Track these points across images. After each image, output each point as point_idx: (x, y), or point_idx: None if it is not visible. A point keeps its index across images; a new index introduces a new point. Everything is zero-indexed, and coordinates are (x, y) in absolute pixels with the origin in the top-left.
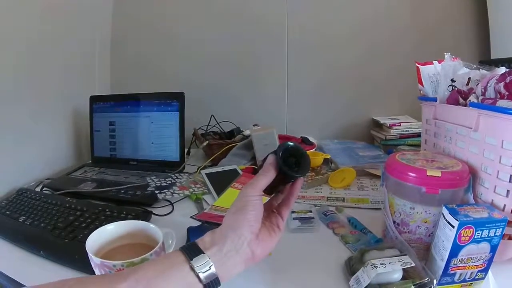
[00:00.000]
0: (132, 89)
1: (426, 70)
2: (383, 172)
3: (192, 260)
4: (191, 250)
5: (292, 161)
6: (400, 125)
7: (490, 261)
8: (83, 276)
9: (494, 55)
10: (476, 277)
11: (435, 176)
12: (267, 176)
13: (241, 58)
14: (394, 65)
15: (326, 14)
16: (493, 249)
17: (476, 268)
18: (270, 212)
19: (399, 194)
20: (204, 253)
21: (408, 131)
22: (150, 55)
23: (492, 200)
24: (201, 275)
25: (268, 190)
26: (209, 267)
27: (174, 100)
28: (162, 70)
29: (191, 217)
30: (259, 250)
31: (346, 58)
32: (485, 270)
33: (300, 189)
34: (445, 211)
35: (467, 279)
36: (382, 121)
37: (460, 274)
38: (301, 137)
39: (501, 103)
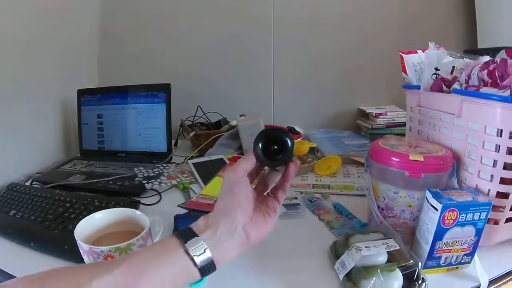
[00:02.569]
0: (120, 82)
1: (410, 59)
2: (366, 157)
3: (186, 243)
4: (185, 234)
5: (274, 149)
6: (386, 115)
7: (476, 245)
8: (72, 265)
9: (480, 46)
10: (462, 261)
11: (418, 160)
12: (247, 160)
13: (227, 49)
14: (381, 55)
15: (312, 5)
16: (479, 233)
17: (462, 251)
18: (266, 196)
19: (383, 179)
20: (198, 236)
21: (395, 120)
22: (137, 48)
23: (477, 185)
24: (196, 259)
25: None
26: (204, 250)
27: (161, 92)
28: (150, 62)
29: (178, 205)
30: (253, 233)
31: (332, 48)
32: (471, 254)
33: (294, 173)
34: (428, 195)
35: (453, 263)
36: (368, 111)
37: (446, 258)
38: (288, 126)
39: (484, 90)
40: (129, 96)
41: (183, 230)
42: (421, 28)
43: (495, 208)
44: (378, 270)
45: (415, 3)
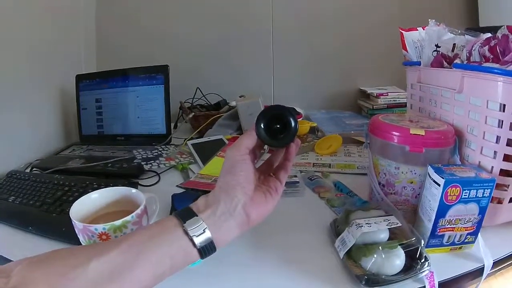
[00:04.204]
0: (119, 66)
1: (410, 36)
2: (366, 133)
3: (185, 223)
4: (184, 214)
5: (277, 127)
6: (387, 95)
7: (479, 224)
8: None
9: (482, 25)
10: (466, 240)
11: (419, 134)
12: (249, 136)
13: (227, 30)
14: (382, 35)
15: None
16: (482, 211)
17: (465, 230)
18: (268, 176)
19: (383, 154)
20: (197, 215)
21: (396, 100)
22: (136, 30)
23: (479, 161)
24: (195, 239)
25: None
26: (203, 230)
27: (159, 74)
28: (149, 45)
29: (177, 185)
30: (254, 213)
31: (333, 29)
32: (475, 233)
33: (295, 153)
34: (430, 170)
35: (457, 242)
36: (369, 91)
37: (449, 237)
38: (288, 107)
39: (486, 65)
40: (127, 79)
41: (183, 210)
42: (422, 8)
43: (499, 186)
44: (379, 247)
45: None
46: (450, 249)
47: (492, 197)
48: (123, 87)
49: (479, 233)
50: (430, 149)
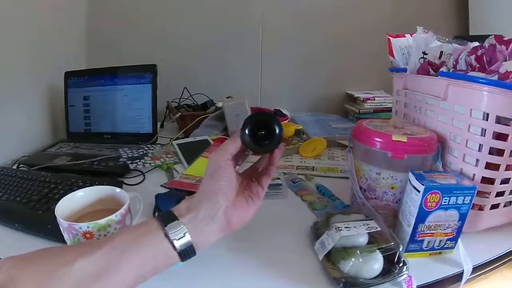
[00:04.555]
0: (108, 64)
1: (398, 42)
2: (350, 137)
3: (166, 226)
4: (165, 217)
5: (262, 134)
6: (374, 99)
7: (459, 230)
8: (55, 245)
9: (472, 33)
10: (446, 246)
11: (401, 141)
12: (234, 142)
13: (216, 31)
14: (371, 40)
15: None
16: (462, 218)
17: (445, 236)
18: (251, 181)
19: (366, 160)
20: (178, 219)
21: (382, 105)
22: (126, 30)
23: (461, 168)
24: (176, 243)
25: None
26: (184, 234)
27: (147, 73)
28: (138, 44)
29: (161, 185)
30: (235, 218)
31: (322, 33)
32: (455, 239)
33: (278, 158)
34: (411, 176)
35: (436, 247)
36: (356, 95)
37: (429, 242)
38: (274, 109)
39: (472, 74)
40: (115, 78)
41: (165, 213)
42: (413, 15)
43: (480, 193)
44: (358, 251)
45: None
46: (430, 254)
47: (474, 204)
48: (111, 85)
49: (459, 239)
50: (412, 155)
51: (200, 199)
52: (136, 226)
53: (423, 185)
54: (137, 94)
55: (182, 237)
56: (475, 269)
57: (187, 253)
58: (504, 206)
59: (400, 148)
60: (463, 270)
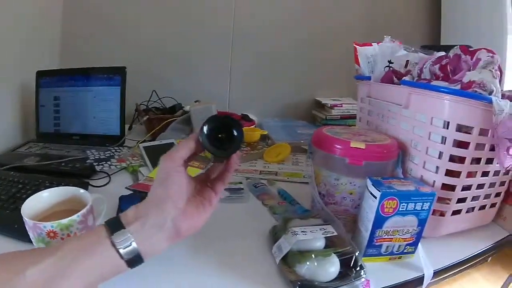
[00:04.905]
0: (81, 65)
1: (364, 51)
2: (309, 143)
3: (113, 235)
4: (113, 225)
5: (221, 137)
6: (341, 106)
7: (419, 235)
8: (21, 244)
9: (443, 43)
10: (405, 251)
11: (359, 148)
12: (185, 146)
13: (187, 36)
14: (342, 48)
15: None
16: (422, 223)
17: (404, 241)
18: (205, 186)
19: (325, 166)
20: (125, 228)
21: (349, 112)
22: (99, 31)
23: (422, 175)
24: (122, 251)
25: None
26: (130, 243)
27: (116, 75)
28: (110, 45)
29: (126, 187)
30: (185, 226)
31: (293, 39)
32: (415, 244)
33: (235, 165)
34: (369, 183)
35: (395, 252)
36: (324, 102)
37: (387, 247)
38: (242, 114)
39: (435, 83)
40: (85, 79)
41: (113, 219)
42: (384, 24)
43: (441, 200)
44: (313, 255)
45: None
46: (389, 259)
47: (435, 209)
48: (80, 86)
49: (419, 244)
50: (370, 162)
51: (149, 206)
52: (85, 234)
53: (379, 191)
54: (106, 96)
55: (128, 246)
56: (437, 273)
57: (134, 261)
58: (467, 212)
59: (358, 154)
60: (423, 274)
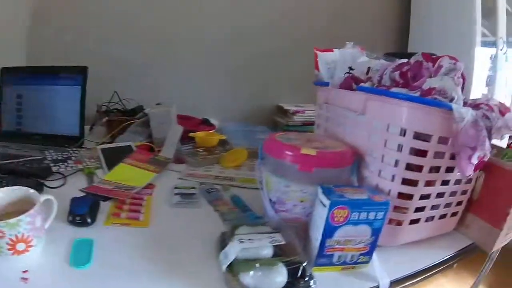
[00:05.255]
0: (48, 63)
1: (324, 57)
2: (260, 149)
3: None
4: None
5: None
6: (304, 113)
7: (373, 245)
8: None
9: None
10: (359, 261)
11: (310, 154)
12: None
13: (153, 37)
14: (307, 55)
15: (244, 5)
16: (376, 233)
17: (358, 251)
18: None
19: (275, 172)
20: None
21: (312, 118)
22: (68, 30)
23: (377, 184)
24: None
25: None
26: None
27: (78, 74)
28: (76, 45)
29: (80, 189)
30: None
31: (258, 46)
32: (369, 254)
33: None
34: (319, 190)
35: (349, 262)
36: (286, 107)
37: (339, 256)
38: (203, 118)
39: (394, 90)
40: (47, 77)
41: None
42: (353, 31)
43: (398, 208)
44: (257, 264)
45: (346, 8)
46: (342, 269)
47: (391, 218)
48: (43, 85)
49: (374, 253)
50: (322, 169)
51: None
52: None
53: (329, 199)
54: (67, 96)
55: None
56: (394, 283)
57: None
58: (426, 221)
59: (309, 161)
60: (378, 284)
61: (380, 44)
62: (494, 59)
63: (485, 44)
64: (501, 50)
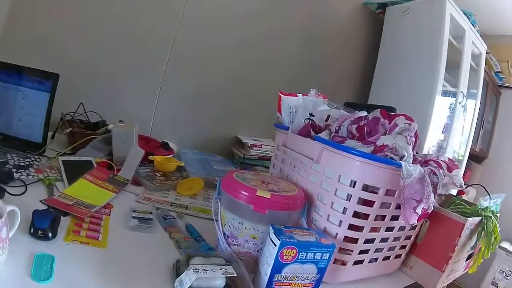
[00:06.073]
0: (16, 61)
1: (288, 100)
2: (218, 184)
3: None
4: None
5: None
6: (261, 147)
7: (318, 282)
8: None
9: (370, 102)
10: None
11: (264, 197)
12: None
13: (125, 55)
14: (267, 92)
15: (211, 32)
16: (321, 271)
17: (303, 286)
18: None
19: (230, 209)
20: None
21: (268, 153)
22: (41, 33)
23: (325, 227)
24: None
25: None
26: None
27: (48, 80)
28: (48, 49)
29: (40, 201)
30: None
31: (221, 76)
32: None
33: None
34: (270, 230)
35: None
36: (244, 140)
37: None
38: (162, 141)
39: (349, 142)
40: (17, 77)
41: None
42: (319, 77)
43: (343, 250)
44: None
45: (314, 46)
46: None
47: (336, 258)
48: (11, 84)
49: None
50: (274, 211)
51: None
52: None
53: (279, 240)
54: (34, 100)
55: None
56: None
57: None
58: (370, 262)
59: (263, 203)
60: None
61: (342, 90)
62: (453, 109)
63: (445, 93)
64: (460, 103)
